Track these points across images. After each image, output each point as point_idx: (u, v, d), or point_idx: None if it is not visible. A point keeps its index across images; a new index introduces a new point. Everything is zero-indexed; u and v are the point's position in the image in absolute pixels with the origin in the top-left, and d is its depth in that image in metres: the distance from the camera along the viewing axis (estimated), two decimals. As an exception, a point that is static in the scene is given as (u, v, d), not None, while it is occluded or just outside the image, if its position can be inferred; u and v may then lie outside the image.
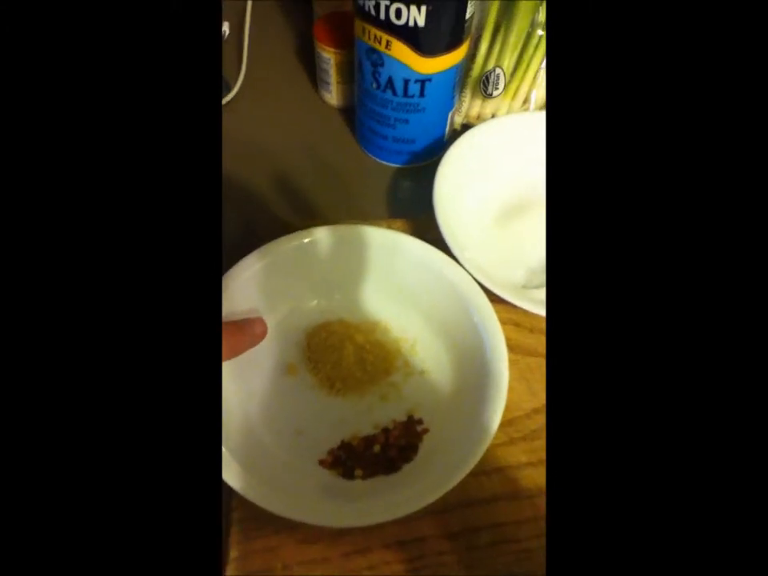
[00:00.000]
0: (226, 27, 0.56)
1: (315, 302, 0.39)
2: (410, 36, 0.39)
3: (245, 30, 0.56)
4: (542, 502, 0.33)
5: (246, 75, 0.54)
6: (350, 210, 0.47)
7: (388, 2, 0.37)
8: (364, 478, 0.32)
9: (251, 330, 0.33)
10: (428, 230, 0.39)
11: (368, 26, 0.39)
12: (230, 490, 0.30)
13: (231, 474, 0.29)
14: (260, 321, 0.34)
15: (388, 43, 0.40)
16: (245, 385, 0.35)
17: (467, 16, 0.39)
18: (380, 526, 0.32)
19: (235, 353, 0.32)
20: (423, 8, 0.37)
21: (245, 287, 0.35)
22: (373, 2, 0.38)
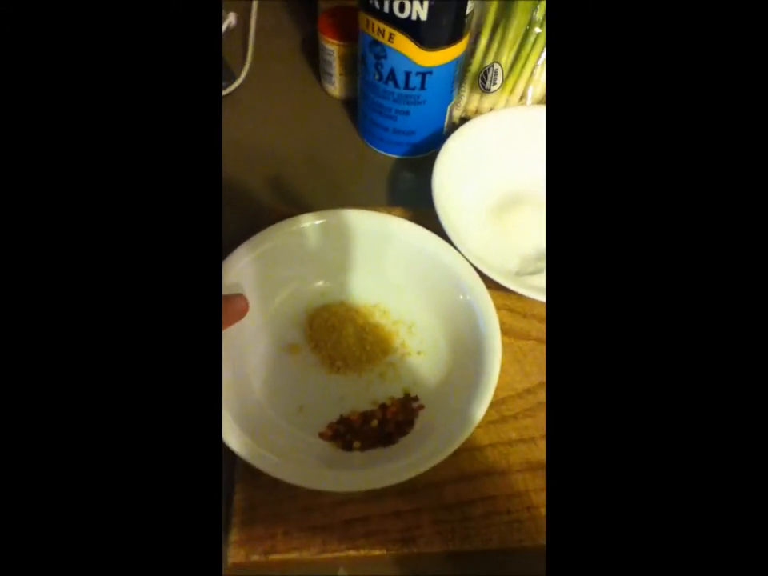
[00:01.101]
0: (232, 18, 0.58)
1: (315, 285, 0.41)
2: (413, 29, 0.40)
3: (251, 22, 0.57)
4: (530, 476, 0.35)
5: (251, 66, 0.55)
6: (350, 199, 0.48)
7: (392, -4, 0.38)
8: (362, 449, 0.34)
9: (232, 306, 0.33)
10: (426, 218, 0.40)
11: (372, 19, 0.41)
12: (234, 458, 0.32)
13: (237, 442, 0.30)
14: (240, 297, 0.34)
15: (391, 36, 0.41)
16: (251, 363, 0.36)
17: (467, 11, 0.41)
18: (378, 497, 0.33)
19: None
20: (426, 2, 0.38)
21: (245, 270, 0.36)
22: (377, -4, 0.39)
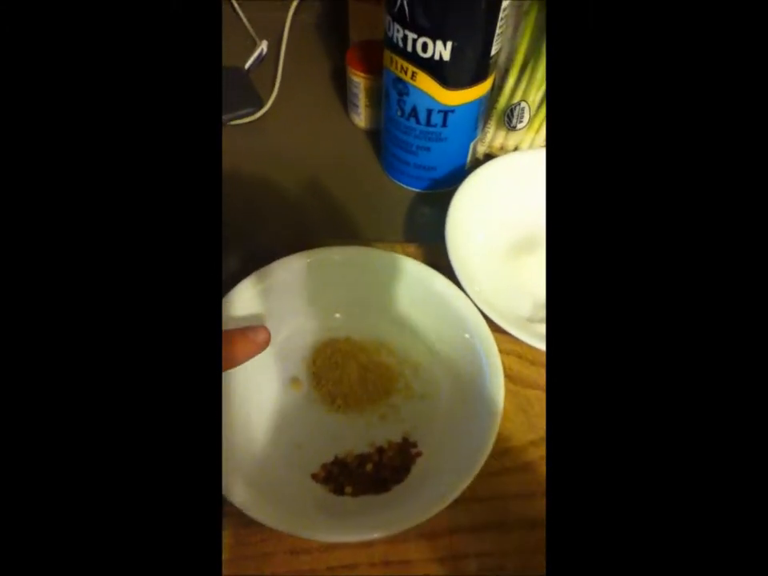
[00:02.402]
0: (264, 46, 0.59)
1: (324, 319, 0.40)
2: (435, 69, 0.40)
3: (281, 50, 0.58)
4: (527, 534, 0.33)
5: (278, 93, 0.56)
6: (368, 230, 0.48)
7: (415, 36, 0.38)
8: (353, 495, 0.33)
9: (254, 338, 0.33)
10: (441, 256, 0.40)
11: (395, 57, 0.41)
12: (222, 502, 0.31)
13: (225, 484, 0.30)
14: (263, 329, 0.33)
15: (413, 74, 0.41)
16: (251, 395, 0.36)
17: (492, 53, 0.40)
18: (367, 545, 0.33)
19: (238, 361, 0.32)
20: (449, 44, 0.38)
21: (256, 299, 0.37)
22: (401, 35, 0.39)
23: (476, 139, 0.48)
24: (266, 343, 0.34)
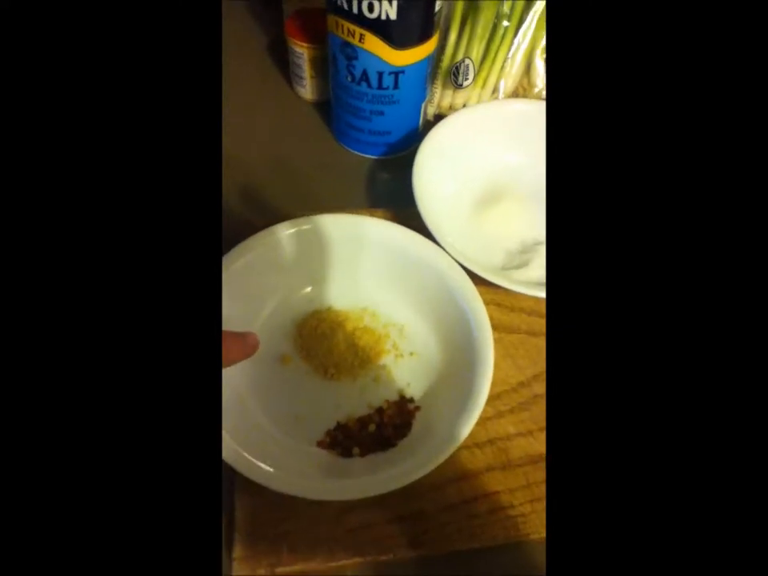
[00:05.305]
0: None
1: (302, 293, 0.40)
2: (383, 29, 0.40)
3: (215, 29, 0.56)
4: (532, 469, 0.35)
5: (218, 73, 0.54)
6: (329, 204, 0.47)
7: (360, -3, 0.38)
8: (362, 455, 0.34)
9: (245, 341, 0.33)
10: (408, 218, 0.40)
11: (341, 20, 0.40)
12: (233, 478, 0.31)
13: (232, 456, 0.30)
14: (252, 335, 0.34)
15: (361, 37, 0.41)
16: (242, 377, 0.36)
17: (436, 9, 0.41)
18: (381, 503, 0.33)
19: (228, 363, 0.32)
20: (395, 1, 0.38)
21: (228, 284, 0.36)
22: (345, -3, 0.39)
23: (426, 100, 0.49)
24: (255, 348, 0.33)
